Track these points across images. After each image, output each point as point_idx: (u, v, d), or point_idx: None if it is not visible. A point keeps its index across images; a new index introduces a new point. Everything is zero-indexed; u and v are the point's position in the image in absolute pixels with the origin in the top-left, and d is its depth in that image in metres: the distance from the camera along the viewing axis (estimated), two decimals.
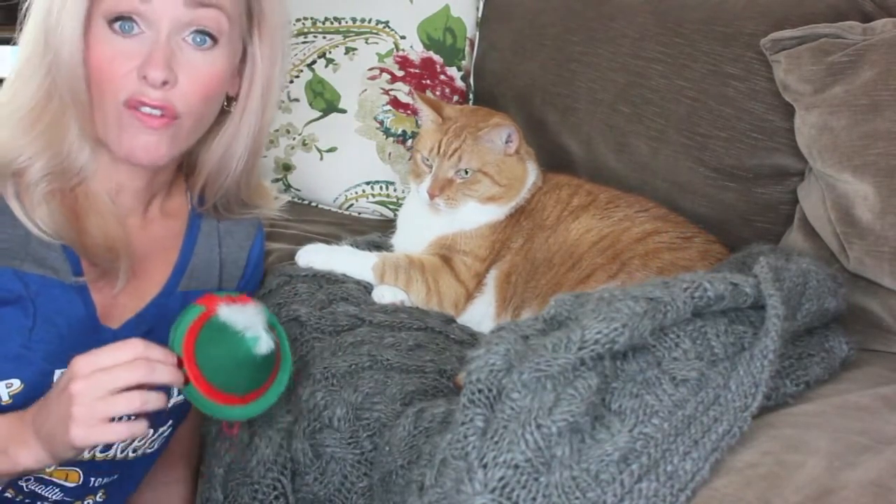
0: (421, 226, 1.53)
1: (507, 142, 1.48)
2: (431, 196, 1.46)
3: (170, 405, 1.25)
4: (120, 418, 1.00)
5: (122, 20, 1.09)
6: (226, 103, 1.21)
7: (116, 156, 1.14)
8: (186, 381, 1.03)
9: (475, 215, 1.48)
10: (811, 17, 1.44)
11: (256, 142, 1.26)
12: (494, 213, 1.49)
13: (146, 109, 1.10)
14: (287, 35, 1.26)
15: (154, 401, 1.00)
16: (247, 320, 1.06)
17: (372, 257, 1.48)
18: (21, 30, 1.15)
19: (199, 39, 1.12)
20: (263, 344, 1.06)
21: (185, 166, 1.30)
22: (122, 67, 1.09)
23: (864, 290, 1.29)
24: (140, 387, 1.00)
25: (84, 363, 0.99)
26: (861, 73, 1.31)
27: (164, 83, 1.09)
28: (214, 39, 1.13)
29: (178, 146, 1.15)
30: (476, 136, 1.46)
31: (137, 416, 1.01)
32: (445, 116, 1.52)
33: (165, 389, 1.03)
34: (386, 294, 1.44)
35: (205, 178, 1.27)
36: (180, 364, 1.02)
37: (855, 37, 1.35)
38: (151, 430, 1.24)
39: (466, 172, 1.46)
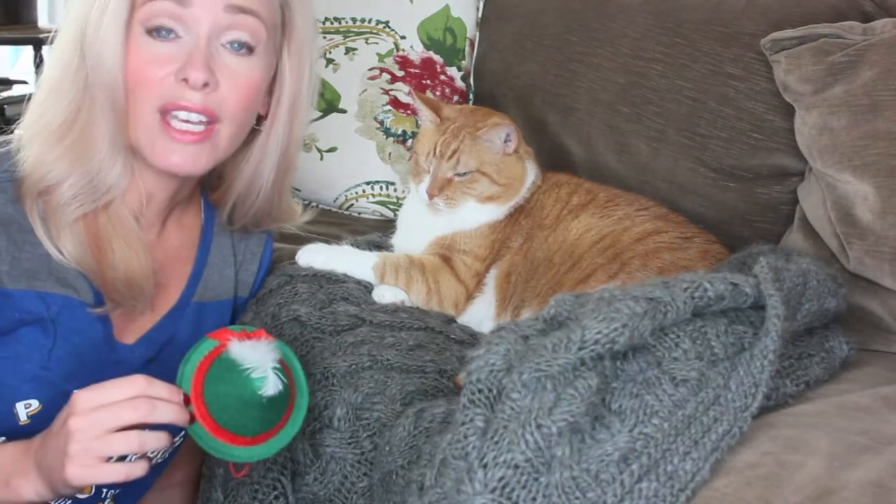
0: (421, 226, 1.53)
1: (505, 141, 1.48)
2: (430, 196, 1.46)
3: (176, 443, 1.25)
4: (121, 458, 0.97)
5: (160, 27, 1.09)
6: (255, 123, 1.21)
7: (154, 167, 1.13)
8: (193, 419, 0.99)
9: (474, 215, 1.48)
10: (811, 17, 1.44)
11: (285, 159, 1.25)
12: (494, 212, 1.49)
13: (183, 115, 1.09)
14: (316, 51, 1.25)
15: (154, 442, 0.97)
16: (257, 358, 1.02)
17: (372, 257, 1.48)
18: (51, 44, 1.15)
19: (236, 46, 1.12)
20: (270, 385, 1.02)
21: (208, 180, 1.29)
22: (159, 71, 1.09)
23: (864, 290, 1.29)
24: (142, 425, 0.97)
25: (84, 399, 0.96)
26: (861, 73, 1.31)
27: (205, 85, 1.08)
28: (251, 47, 1.13)
29: (217, 155, 1.15)
30: (474, 137, 1.46)
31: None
32: (444, 117, 1.52)
33: (171, 427, 1.00)
34: (386, 294, 1.44)
35: (234, 199, 1.26)
36: (187, 401, 0.99)
37: (855, 37, 1.35)
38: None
39: (465, 173, 1.46)
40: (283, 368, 1.05)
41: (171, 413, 0.97)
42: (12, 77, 3.06)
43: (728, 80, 1.50)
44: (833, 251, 1.33)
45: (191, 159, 1.12)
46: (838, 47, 1.35)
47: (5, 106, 2.78)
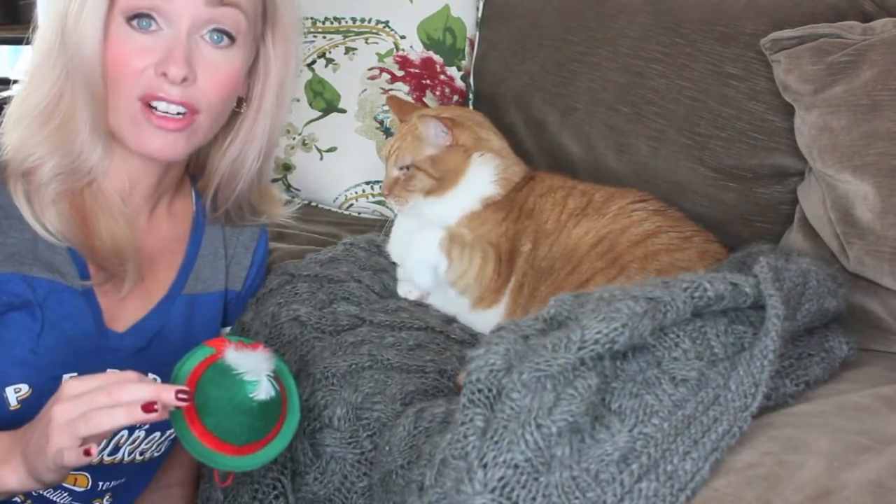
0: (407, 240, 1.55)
1: (437, 135, 1.49)
2: (385, 195, 1.52)
3: (170, 436, 1.24)
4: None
5: (140, 17, 1.09)
6: (235, 105, 1.21)
7: (133, 151, 1.14)
8: (188, 400, 0.97)
9: (453, 209, 1.49)
10: (811, 17, 1.44)
11: (269, 144, 1.25)
12: (466, 204, 1.49)
13: (163, 106, 1.10)
14: (299, 36, 1.26)
15: (117, 418, 0.93)
16: (251, 365, 1.01)
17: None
18: (34, 31, 1.16)
19: (216, 38, 1.12)
20: (262, 390, 1.01)
21: (193, 168, 1.30)
22: (139, 63, 1.09)
23: (864, 290, 1.29)
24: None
25: (70, 386, 0.96)
26: (861, 73, 1.31)
27: (184, 80, 1.09)
28: (232, 38, 1.13)
29: (194, 142, 1.15)
30: (413, 135, 1.50)
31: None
32: (405, 120, 1.56)
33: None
34: (412, 290, 1.47)
35: (217, 183, 1.26)
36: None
37: (855, 37, 1.35)
38: (159, 434, 1.24)
39: (403, 168, 1.50)
40: (277, 382, 1.04)
41: (142, 392, 0.94)
42: (12, 77, 3.05)
43: (728, 80, 1.50)
44: (833, 251, 1.33)
45: (171, 145, 1.12)
46: (838, 47, 1.35)
47: (5, 106, 2.77)
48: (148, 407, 0.93)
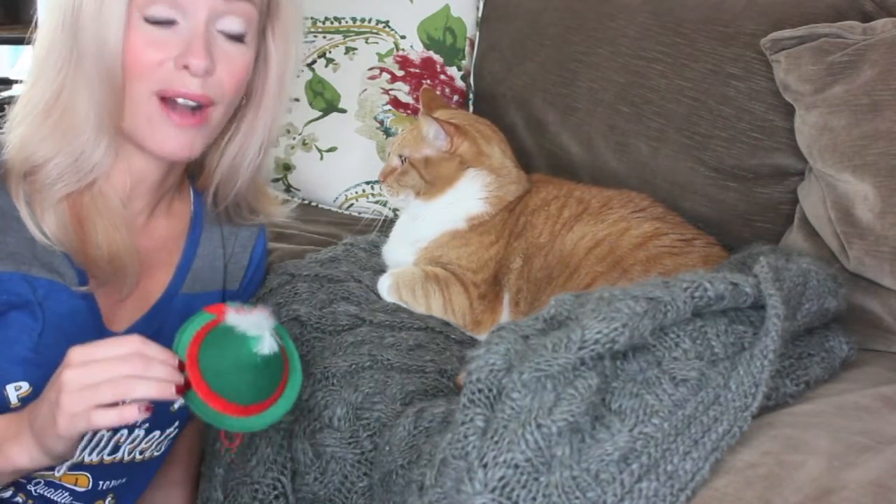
0: (404, 237, 1.55)
1: (437, 138, 1.49)
2: (380, 182, 1.54)
3: (176, 407, 1.25)
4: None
5: (158, 15, 1.09)
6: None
7: (146, 150, 1.14)
8: (188, 386, 0.99)
9: (433, 222, 1.49)
10: (811, 17, 1.44)
11: (268, 140, 1.26)
12: (450, 219, 1.48)
13: (181, 102, 1.10)
14: (300, 31, 1.26)
15: (143, 388, 0.95)
16: (252, 322, 1.03)
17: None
18: (35, 30, 1.15)
19: (231, 31, 1.13)
20: (266, 344, 1.02)
21: (191, 166, 1.29)
22: (156, 56, 1.09)
23: (864, 290, 1.29)
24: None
25: (78, 353, 0.96)
26: (861, 72, 1.31)
27: (206, 72, 1.09)
28: (244, 31, 1.14)
29: (208, 138, 1.16)
30: (418, 130, 1.50)
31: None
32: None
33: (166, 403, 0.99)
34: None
35: (217, 180, 1.26)
36: (182, 367, 0.99)
37: (855, 37, 1.35)
38: (158, 432, 1.24)
39: (401, 158, 1.51)
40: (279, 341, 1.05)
41: (165, 371, 0.97)
42: (12, 77, 3.05)
43: (728, 80, 1.50)
44: (833, 251, 1.33)
45: (188, 144, 1.13)
46: (838, 47, 1.35)
47: (5, 106, 2.77)
48: (180, 388, 0.97)
